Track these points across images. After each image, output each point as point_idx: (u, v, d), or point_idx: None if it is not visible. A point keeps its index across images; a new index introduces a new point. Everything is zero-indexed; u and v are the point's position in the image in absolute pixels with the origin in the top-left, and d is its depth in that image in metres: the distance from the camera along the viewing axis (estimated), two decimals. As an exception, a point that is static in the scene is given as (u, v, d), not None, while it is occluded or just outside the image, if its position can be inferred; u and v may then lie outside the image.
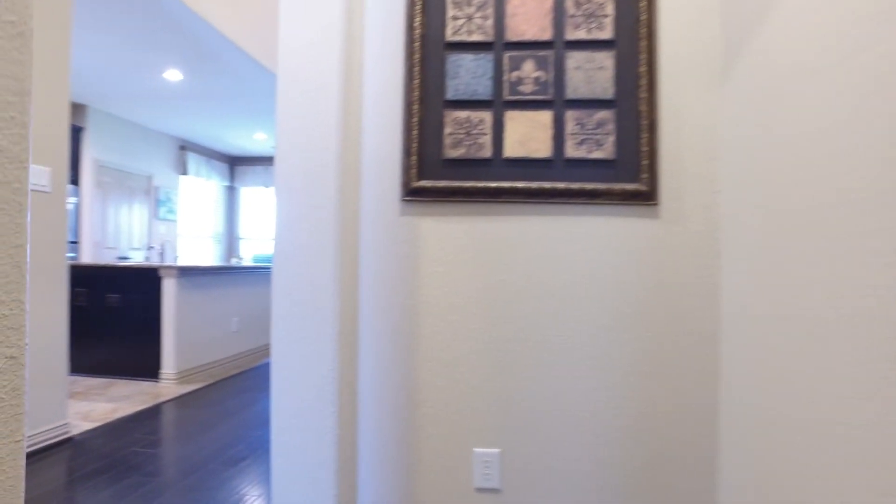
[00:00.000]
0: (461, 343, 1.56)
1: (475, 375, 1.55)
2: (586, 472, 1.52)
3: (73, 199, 6.18)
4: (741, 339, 1.36)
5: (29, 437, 2.62)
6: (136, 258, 7.33)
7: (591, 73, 1.52)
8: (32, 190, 2.62)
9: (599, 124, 1.52)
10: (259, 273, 5.33)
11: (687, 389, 1.50)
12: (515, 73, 1.54)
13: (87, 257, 6.31)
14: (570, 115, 1.53)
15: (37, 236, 2.64)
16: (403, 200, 1.57)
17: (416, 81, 1.56)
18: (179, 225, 8.26)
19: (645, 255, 1.51)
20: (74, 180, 6.24)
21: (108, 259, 6.59)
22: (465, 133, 1.55)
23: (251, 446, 2.78)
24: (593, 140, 1.52)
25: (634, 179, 1.51)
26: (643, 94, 1.49)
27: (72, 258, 6.10)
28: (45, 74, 2.67)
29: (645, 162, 1.49)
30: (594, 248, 1.52)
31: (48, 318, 2.74)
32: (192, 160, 8.34)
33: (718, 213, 1.49)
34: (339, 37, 1.53)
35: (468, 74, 1.56)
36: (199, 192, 8.85)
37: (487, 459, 1.54)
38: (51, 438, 2.72)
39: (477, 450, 1.54)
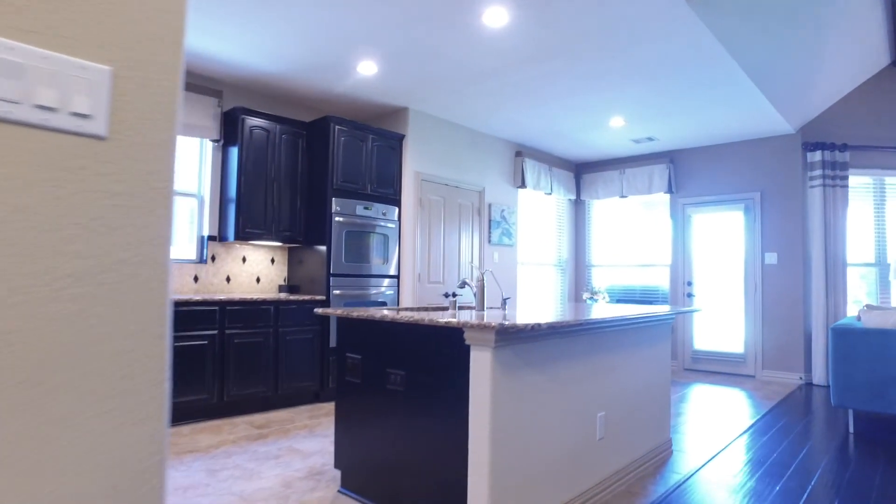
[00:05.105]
0: None
1: None
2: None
3: (391, 225, 4.99)
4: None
5: None
6: (466, 296, 5.88)
7: None
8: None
9: None
10: (638, 325, 2.97)
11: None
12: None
13: (408, 296, 5.02)
14: None
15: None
16: None
17: None
18: (519, 251, 6.61)
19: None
20: (395, 200, 5.06)
21: (431, 298, 5.22)
22: None
23: None
24: None
25: None
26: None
27: (373, 300, 4.88)
28: None
29: None
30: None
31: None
32: (531, 169, 6.64)
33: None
34: None
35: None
36: (538, 208, 7.12)
37: None
38: None
39: None
